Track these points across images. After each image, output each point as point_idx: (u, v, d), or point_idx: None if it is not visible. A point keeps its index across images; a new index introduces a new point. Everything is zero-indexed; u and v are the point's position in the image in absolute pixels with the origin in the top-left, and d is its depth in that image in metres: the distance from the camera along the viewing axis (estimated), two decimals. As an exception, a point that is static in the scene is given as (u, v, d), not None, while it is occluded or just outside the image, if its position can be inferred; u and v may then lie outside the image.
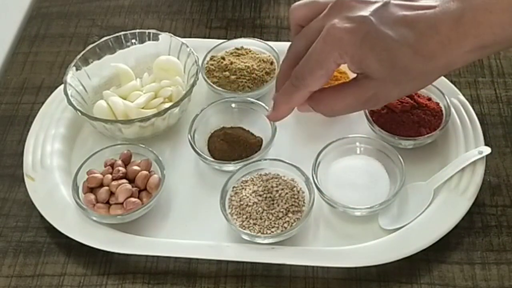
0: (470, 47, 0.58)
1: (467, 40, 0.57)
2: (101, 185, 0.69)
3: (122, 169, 0.69)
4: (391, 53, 0.57)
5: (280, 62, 0.79)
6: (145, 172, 0.69)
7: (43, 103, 0.79)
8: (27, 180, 0.72)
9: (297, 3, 0.65)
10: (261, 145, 0.73)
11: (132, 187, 0.68)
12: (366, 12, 0.58)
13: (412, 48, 0.57)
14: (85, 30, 0.91)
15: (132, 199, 0.67)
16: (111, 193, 0.68)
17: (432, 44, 0.57)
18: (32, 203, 0.70)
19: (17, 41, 0.91)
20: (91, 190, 0.69)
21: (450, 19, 0.57)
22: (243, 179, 0.69)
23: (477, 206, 0.67)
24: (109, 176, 0.69)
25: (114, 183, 0.68)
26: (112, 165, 0.70)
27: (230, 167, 0.70)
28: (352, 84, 0.61)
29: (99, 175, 0.69)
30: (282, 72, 0.65)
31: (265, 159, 0.71)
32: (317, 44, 0.59)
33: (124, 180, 0.68)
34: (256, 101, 0.75)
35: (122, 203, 0.67)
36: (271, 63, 0.80)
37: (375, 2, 0.59)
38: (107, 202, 0.68)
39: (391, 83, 0.59)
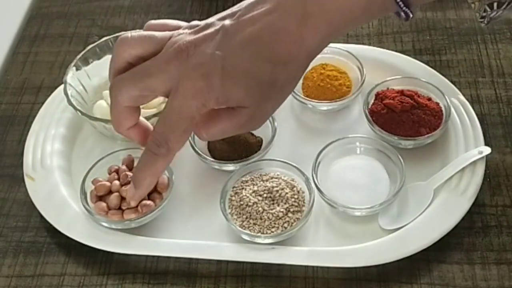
0: (325, 35, 0.56)
1: (320, 30, 0.55)
2: (110, 191, 0.68)
3: (129, 173, 0.68)
4: (253, 76, 0.55)
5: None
6: None
7: (43, 103, 0.79)
8: (27, 180, 0.72)
9: (128, 35, 0.58)
10: (261, 145, 0.73)
11: None
12: (209, 49, 0.55)
13: (270, 61, 0.55)
14: (85, 30, 0.91)
15: (147, 202, 0.66)
16: (122, 199, 0.67)
17: (286, 47, 0.55)
18: (32, 203, 0.70)
19: (17, 41, 0.91)
20: (100, 198, 0.68)
21: (294, 17, 0.55)
22: (243, 179, 0.69)
23: (477, 206, 0.67)
24: (117, 182, 0.68)
25: (124, 188, 0.67)
26: (117, 171, 0.70)
27: (230, 167, 0.70)
28: (228, 112, 0.57)
29: (107, 183, 0.68)
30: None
31: (265, 159, 0.71)
32: (174, 102, 0.55)
33: None
34: (256, 101, 0.75)
35: (136, 207, 0.67)
36: (271, 63, 0.79)
37: (210, 34, 0.56)
38: (119, 208, 0.67)
39: (263, 102, 0.56)
